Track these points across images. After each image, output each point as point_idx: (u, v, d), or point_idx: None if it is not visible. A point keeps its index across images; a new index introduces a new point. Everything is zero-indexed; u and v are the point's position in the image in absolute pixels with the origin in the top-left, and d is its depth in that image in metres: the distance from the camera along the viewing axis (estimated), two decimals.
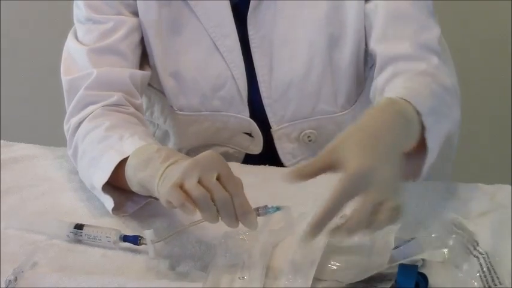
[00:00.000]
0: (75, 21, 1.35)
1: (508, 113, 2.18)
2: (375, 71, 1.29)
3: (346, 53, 1.34)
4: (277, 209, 1.04)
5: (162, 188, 1.04)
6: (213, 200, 1.00)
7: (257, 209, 1.03)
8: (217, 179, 1.01)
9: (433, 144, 1.09)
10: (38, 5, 2.37)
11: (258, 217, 1.03)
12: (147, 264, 1.06)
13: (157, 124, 1.48)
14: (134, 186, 1.13)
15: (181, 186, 1.01)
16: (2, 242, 1.10)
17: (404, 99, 1.08)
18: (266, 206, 1.04)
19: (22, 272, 1.02)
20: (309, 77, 1.34)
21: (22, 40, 2.43)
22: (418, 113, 1.07)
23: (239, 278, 1.01)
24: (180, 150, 1.44)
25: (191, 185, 1.00)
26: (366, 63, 1.38)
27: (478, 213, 1.17)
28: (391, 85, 1.22)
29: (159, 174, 1.06)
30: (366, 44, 1.34)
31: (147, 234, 1.06)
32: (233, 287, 1.00)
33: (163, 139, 1.48)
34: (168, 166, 1.06)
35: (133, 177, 1.11)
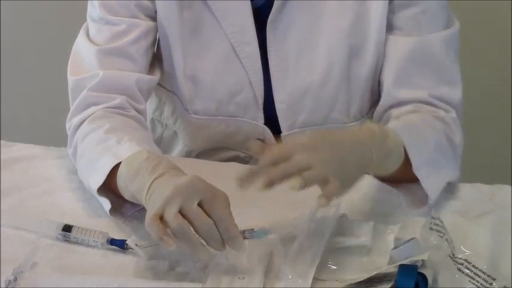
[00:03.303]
0: (88, 18, 1.34)
1: (508, 113, 2.18)
2: (382, 106, 1.31)
3: (366, 65, 1.32)
4: (264, 233, 1.03)
5: (147, 210, 1.03)
6: (195, 229, 1.00)
7: (243, 232, 1.02)
8: (200, 205, 1.00)
9: (433, 193, 1.16)
10: (38, 5, 2.37)
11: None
12: (147, 265, 1.06)
13: (166, 124, 1.48)
14: (126, 195, 1.13)
15: (161, 217, 1.00)
16: (2, 242, 1.10)
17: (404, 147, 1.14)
18: (253, 229, 1.03)
19: (22, 272, 1.02)
20: (326, 86, 1.33)
21: (22, 40, 2.43)
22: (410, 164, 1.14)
23: (239, 278, 1.01)
24: (190, 152, 1.44)
25: (170, 215, 0.99)
26: None
27: (478, 213, 1.17)
28: (406, 117, 1.25)
29: (146, 189, 1.06)
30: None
31: (130, 241, 1.07)
32: (233, 287, 1.00)
33: (171, 140, 1.48)
34: (155, 179, 1.06)
35: (125, 188, 1.11)
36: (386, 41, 1.31)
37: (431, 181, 1.16)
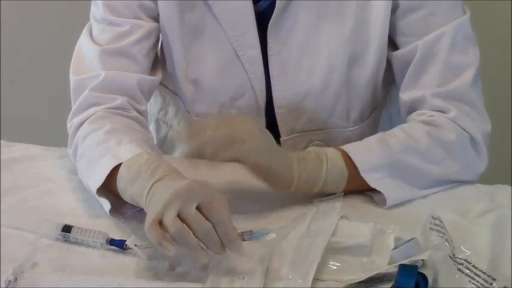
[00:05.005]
0: (91, 18, 1.34)
1: (508, 113, 2.18)
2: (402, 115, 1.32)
3: (366, 72, 1.32)
4: (263, 235, 1.03)
5: (147, 215, 1.03)
6: (194, 233, 1.00)
7: (242, 234, 1.02)
8: (199, 208, 1.00)
9: (390, 193, 1.19)
10: (38, 5, 2.37)
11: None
12: (147, 265, 1.06)
13: (171, 125, 1.48)
14: (126, 198, 1.12)
15: (160, 222, 1.00)
16: (2, 242, 1.10)
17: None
18: (251, 231, 1.03)
19: (22, 272, 1.02)
20: (326, 92, 1.32)
21: (22, 40, 2.43)
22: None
23: (239, 278, 1.01)
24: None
25: (169, 220, 0.99)
26: (384, 81, 1.37)
27: (477, 213, 1.17)
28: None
29: (145, 193, 1.06)
30: (387, 63, 1.33)
31: (129, 242, 1.07)
32: (233, 287, 1.00)
33: (175, 140, 1.48)
34: (154, 183, 1.06)
35: (124, 191, 1.11)
36: (394, 54, 1.31)
37: (385, 182, 1.18)
